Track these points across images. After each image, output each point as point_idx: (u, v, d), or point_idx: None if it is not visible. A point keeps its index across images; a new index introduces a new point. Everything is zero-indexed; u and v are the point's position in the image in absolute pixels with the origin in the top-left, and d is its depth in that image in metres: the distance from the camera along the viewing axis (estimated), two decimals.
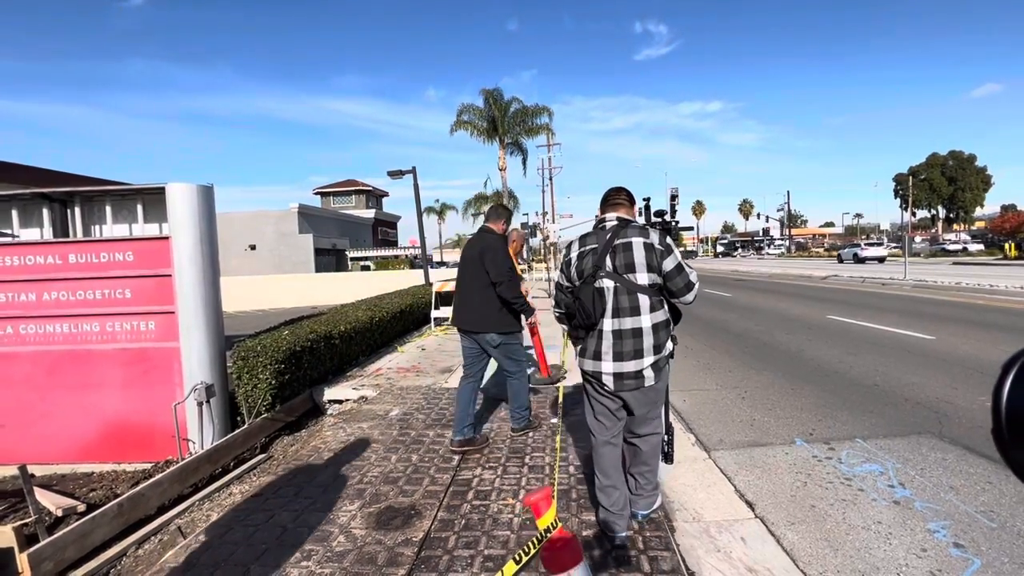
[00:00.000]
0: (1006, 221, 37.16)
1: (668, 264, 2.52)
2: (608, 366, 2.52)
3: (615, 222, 2.65)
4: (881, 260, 33.08)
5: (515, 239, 4.85)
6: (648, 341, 2.50)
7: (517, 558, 1.47)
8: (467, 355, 4.06)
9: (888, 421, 4.44)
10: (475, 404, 4.04)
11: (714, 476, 3.48)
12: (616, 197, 2.75)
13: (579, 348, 2.67)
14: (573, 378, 5.64)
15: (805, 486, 3.35)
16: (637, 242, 2.54)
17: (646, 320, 2.50)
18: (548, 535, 1.40)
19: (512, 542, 2.65)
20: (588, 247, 2.63)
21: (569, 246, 2.77)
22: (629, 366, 2.50)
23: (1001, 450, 0.53)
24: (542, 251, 35.04)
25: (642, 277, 2.50)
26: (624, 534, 2.61)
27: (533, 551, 1.44)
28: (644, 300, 2.50)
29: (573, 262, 2.66)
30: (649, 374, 2.51)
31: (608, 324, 2.52)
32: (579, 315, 2.53)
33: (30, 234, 5.03)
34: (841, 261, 36.70)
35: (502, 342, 3.88)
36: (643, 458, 2.76)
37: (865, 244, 37.42)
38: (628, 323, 2.50)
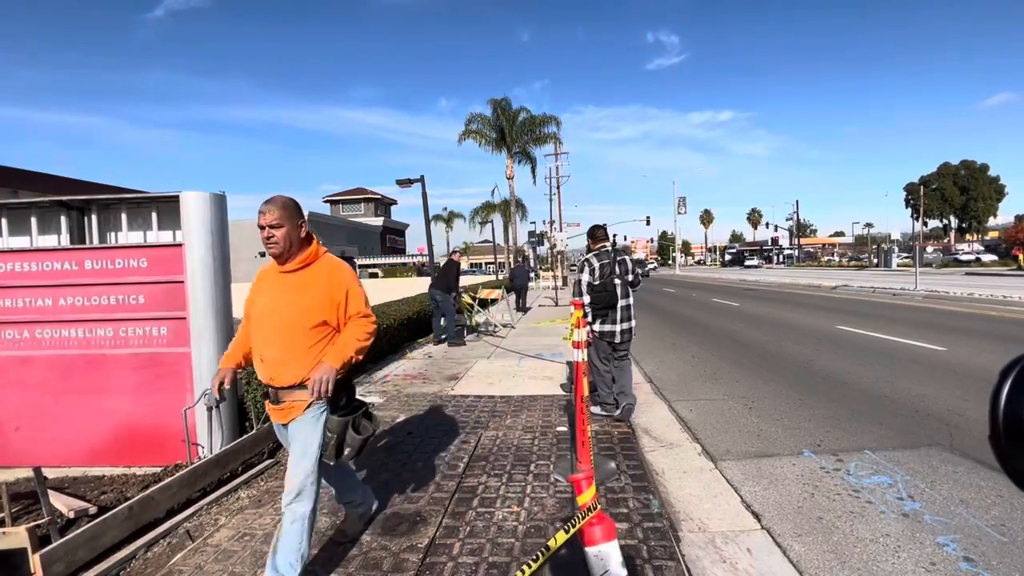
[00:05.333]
0: (1020, 231, 36.64)
1: (638, 270, 4.89)
2: (619, 327, 4.63)
3: (610, 248, 4.80)
4: (758, 266, 60.74)
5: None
6: (632, 311, 4.75)
7: (567, 528, 1.71)
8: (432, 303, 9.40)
9: (897, 433, 4.39)
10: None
11: (720, 487, 3.46)
12: (603, 232, 4.95)
13: (599, 321, 4.61)
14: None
15: (812, 497, 3.32)
16: (628, 259, 4.83)
17: (631, 299, 4.74)
18: (590, 513, 1.59)
19: (517, 550, 2.65)
20: (604, 261, 4.65)
21: (588, 261, 4.69)
22: (626, 325, 4.67)
23: (999, 456, 0.53)
24: (549, 259, 35.03)
25: (630, 277, 4.74)
26: (617, 413, 4.66)
27: (576, 526, 1.63)
28: (629, 290, 4.73)
29: (597, 270, 4.63)
30: (633, 329, 4.75)
31: (620, 303, 4.61)
32: (606, 298, 4.53)
33: (48, 241, 5.14)
34: (744, 267, 61.79)
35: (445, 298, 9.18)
36: (624, 372, 4.78)
37: (752, 257, 67.28)
38: (624, 302, 4.66)
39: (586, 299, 4.53)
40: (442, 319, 9.38)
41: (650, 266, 41.92)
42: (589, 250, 4.94)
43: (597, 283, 4.55)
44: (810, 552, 2.72)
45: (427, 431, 4.55)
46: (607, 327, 4.61)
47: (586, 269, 4.63)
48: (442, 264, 10.13)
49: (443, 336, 9.31)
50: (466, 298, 10.81)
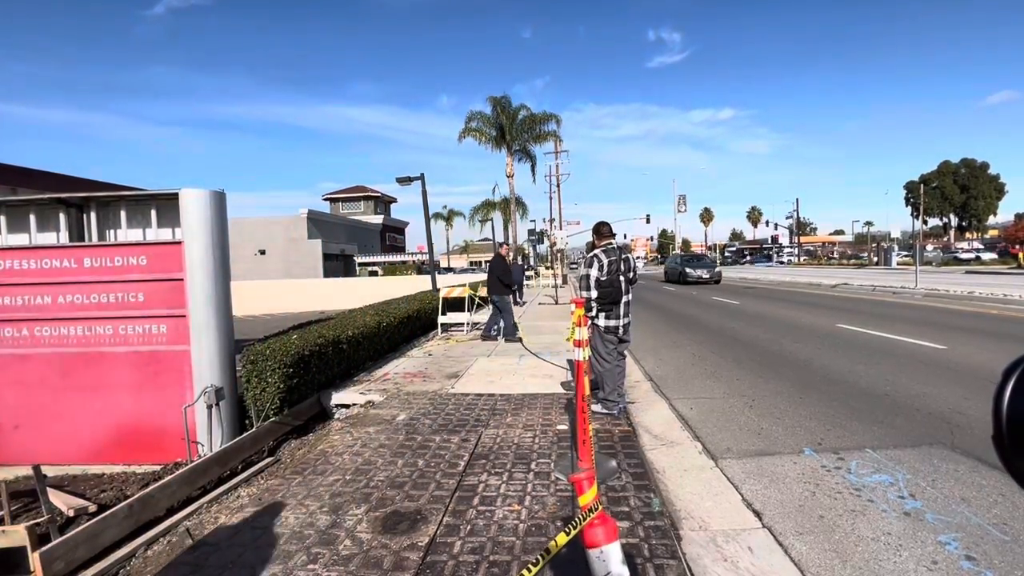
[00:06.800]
0: (1020, 229, 36.67)
1: (638, 268, 5.27)
2: (622, 321, 4.76)
3: (616, 245, 4.84)
4: (781, 263, 56.60)
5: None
6: (631, 307, 4.90)
7: (567, 531, 1.66)
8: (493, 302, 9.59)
9: (899, 431, 4.39)
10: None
11: (721, 485, 3.46)
12: (609, 229, 5.01)
13: (604, 316, 4.70)
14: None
15: (814, 496, 3.31)
16: (631, 256, 4.97)
17: (630, 296, 4.88)
18: (591, 514, 1.55)
19: (518, 548, 2.65)
20: (612, 258, 4.73)
21: (596, 257, 4.77)
22: (627, 320, 4.83)
23: (1001, 456, 0.53)
24: (549, 258, 35.03)
25: (631, 275, 4.87)
26: (616, 411, 4.77)
27: (577, 528, 1.59)
28: (630, 286, 4.87)
29: (606, 266, 4.70)
30: (631, 322, 4.89)
31: (623, 299, 4.75)
32: (613, 294, 4.66)
33: (47, 238, 5.12)
34: (767, 265, 58.31)
35: (497, 298, 9.38)
36: (622, 371, 4.96)
37: (780, 253, 63.54)
38: (626, 298, 4.79)
39: (593, 293, 4.65)
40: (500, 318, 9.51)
41: (717, 268, 25.82)
42: (594, 246, 4.99)
43: (604, 278, 4.66)
44: (811, 551, 2.71)
45: (428, 429, 4.54)
46: (612, 322, 4.73)
47: (595, 264, 4.71)
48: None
49: (494, 332, 9.47)
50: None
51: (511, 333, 9.38)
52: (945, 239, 66.28)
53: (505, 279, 9.50)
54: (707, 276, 24.42)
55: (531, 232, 35.39)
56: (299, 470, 3.79)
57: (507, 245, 10.70)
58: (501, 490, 3.32)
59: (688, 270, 24.92)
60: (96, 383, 4.76)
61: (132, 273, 4.77)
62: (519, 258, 30.24)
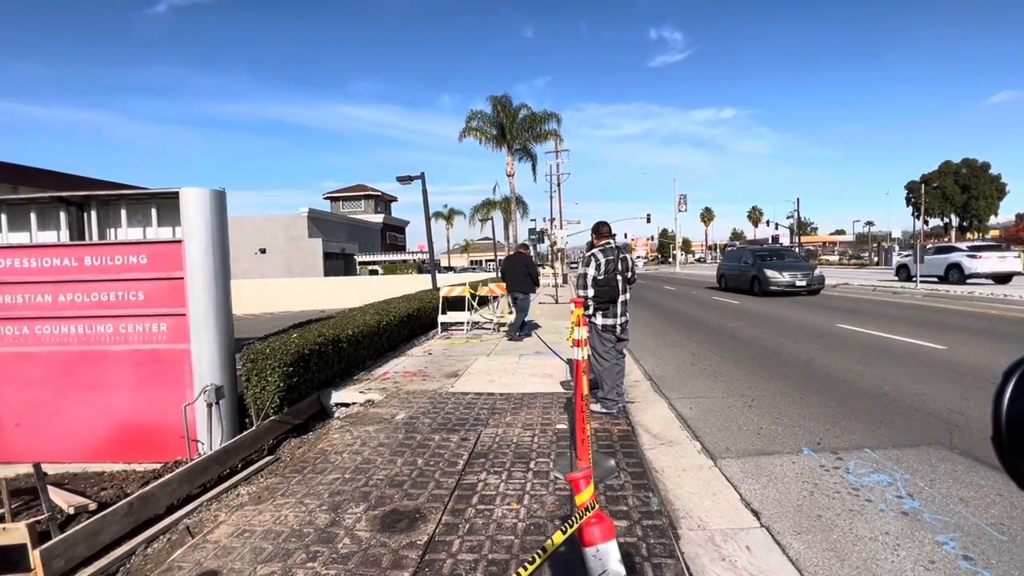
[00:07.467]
0: (1021, 230, 36.64)
1: (637, 267, 5.18)
2: (619, 320, 4.81)
3: (614, 245, 4.92)
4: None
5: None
6: (629, 306, 4.93)
7: (564, 529, 1.65)
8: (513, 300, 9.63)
9: (897, 431, 4.39)
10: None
11: (720, 484, 3.46)
12: (608, 228, 5.05)
13: (601, 314, 4.77)
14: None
15: (812, 495, 3.32)
16: (629, 256, 5.01)
17: (628, 295, 4.92)
18: (587, 512, 1.55)
19: (516, 547, 2.66)
20: (609, 258, 4.78)
21: (594, 256, 4.81)
22: (624, 319, 4.86)
23: (1001, 457, 0.54)
24: (550, 257, 35.02)
25: (629, 274, 4.90)
26: (615, 411, 4.80)
27: (574, 526, 1.60)
28: (627, 285, 4.92)
29: (603, 265, 4.75)
30: (627, 323, 4.93)
31: (620, 298, 4.79)
32: (609, 292, 4.70)
33: (47, 237, 5.13)
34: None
35: (523, 296, 9.42)
36: (622, 370, 5.01)
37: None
38: (623, 297, 4.84)
39: (590, 292, 4.70)
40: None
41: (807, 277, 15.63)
42: (593, 245, 5.03)
43: (602, 277, 4.71)
44: (809, 550, 2.72)
45: (427, 428, 4.55)
46: (609, 320, 4.79)
47: (592, 263, 4.77)
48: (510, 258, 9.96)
49: (513, 330, 9.51)
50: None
51: (521, 331, 9.39)
52: (946, 239, 66.19)
53: (535, 277, 9.63)
54: (803, 283, 14.96)
55: (531, 231, 35.36)
56: (299, 469, 3.79)
57: (527, 245, 11.10)
58: (500, 489, 3.32)
59: (769, 273, 15.18)
60: (96, 381, 4.77)
61: (132, 272, 4.78)
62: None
